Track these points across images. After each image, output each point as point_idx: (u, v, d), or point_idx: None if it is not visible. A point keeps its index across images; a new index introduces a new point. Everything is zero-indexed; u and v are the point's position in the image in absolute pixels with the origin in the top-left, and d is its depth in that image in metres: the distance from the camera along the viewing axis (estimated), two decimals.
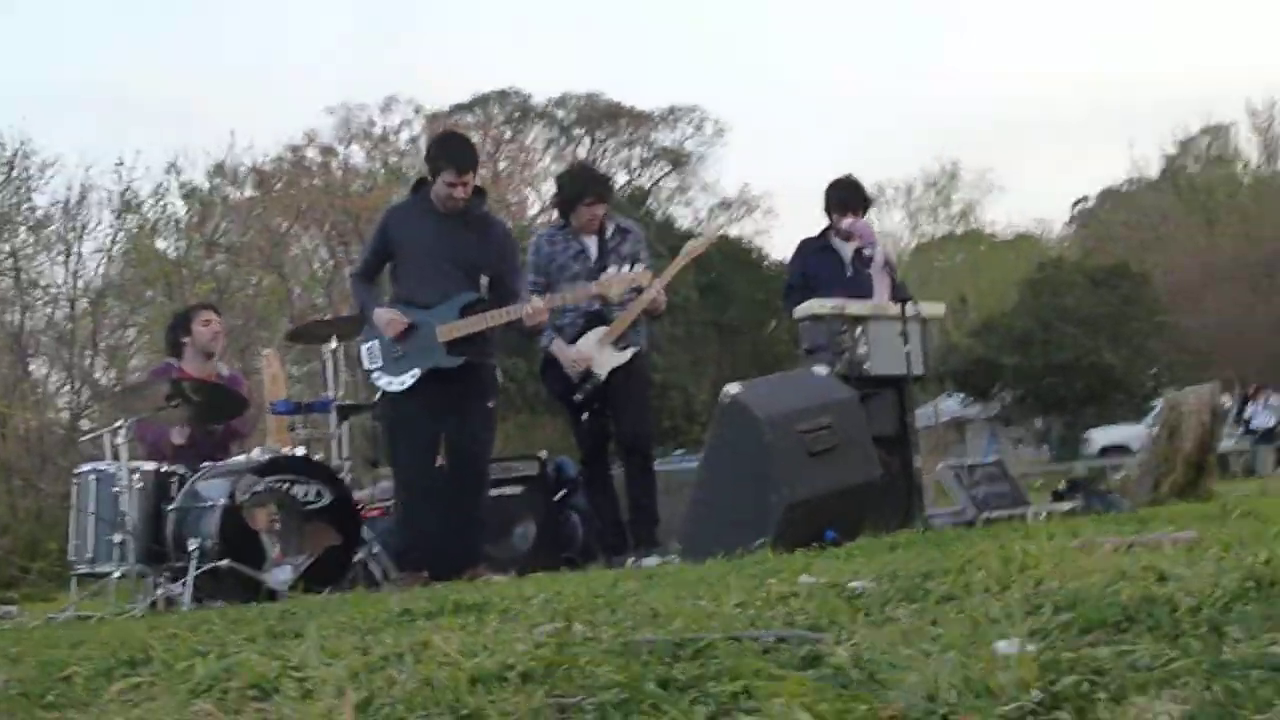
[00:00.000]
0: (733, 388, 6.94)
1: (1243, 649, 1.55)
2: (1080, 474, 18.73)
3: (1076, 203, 58.45)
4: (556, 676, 1.74)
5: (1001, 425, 43.16)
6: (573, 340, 8.12)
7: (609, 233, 8.30)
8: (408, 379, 7.45)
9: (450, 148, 7.79)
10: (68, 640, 3.09)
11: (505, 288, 7.70)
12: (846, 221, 8.92)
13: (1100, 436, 34.33)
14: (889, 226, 55.86)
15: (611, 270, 7.87)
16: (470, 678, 1.77)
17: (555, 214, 8.71)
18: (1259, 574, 2.21)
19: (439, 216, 7.55)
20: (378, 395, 7.67)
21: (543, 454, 10.11)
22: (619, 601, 1.99)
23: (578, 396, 8.13)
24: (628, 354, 8.13)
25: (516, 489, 9.49)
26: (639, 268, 8.15)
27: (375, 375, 7.56)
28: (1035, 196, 78.73)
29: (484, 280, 7.68)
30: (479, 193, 7.79)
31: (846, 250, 9.00)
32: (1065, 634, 1.66)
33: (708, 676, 1.59)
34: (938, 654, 1.60)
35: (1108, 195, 55.11)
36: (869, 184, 9.34)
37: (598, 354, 8.08)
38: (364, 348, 7.64)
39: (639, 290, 8.04)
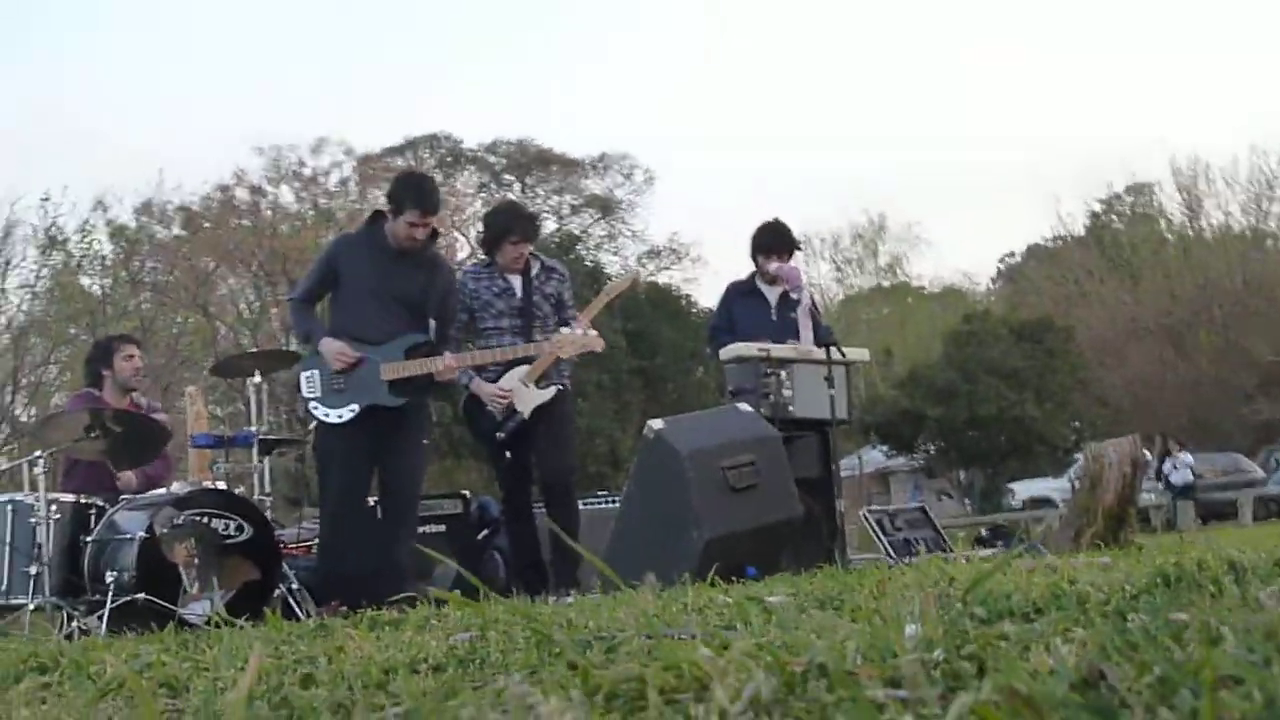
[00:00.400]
0: (656, 423, 6.98)
1: (1144, 620, 1.58)
2: (1002, 524, 18.87)
3: (1003, 258, 59.15)
4: (470, 667, 1.74)
5: (925, 477, 43.44)
6: (495, 379, 8.10)
7: (534, 270, 8.30)
8: (346, 413, 7.44)
9: (418, 188, 7.74)
10: None
11: (442, 332, 7.76)
12: (773, 265, 8.97)
13: (1022, 489, 34.59)
14: (816, 277, 56.19)
15: (566, 330, 7.86)
16: (383, 669, 1.78)
17: (481, 253, 8.71)
18: (1167, 572, 2.26)
19: (391, 253, 7.55)
20: (313, 424, 7.62)
21: (466, 493, 10.10)
22: (536, 617, 2.00)
23: (500, 435, 8.10)
24: (550, 392, 8.10)
25: (440, 527, 9.48)
26: (569, 311, 8.20)
27: (313, 405, 7.53)
28: (962, 251, 79.52)
29: (431, 323, 7.68)
30: (432, 234, 7.79)
31: (772, 294, 9.05)
32: (974, 621, 1.69)
33: (618, 661, 1.60)
34: (847, 629, 1.63)
35: (1033, 251, 55.76)
36: (797, 234, 9.39)
37: (521, 392, 8.05)
38: (303, 375, 7.60)
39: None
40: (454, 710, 1.26)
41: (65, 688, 2.26)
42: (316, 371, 7.51)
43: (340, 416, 7.45)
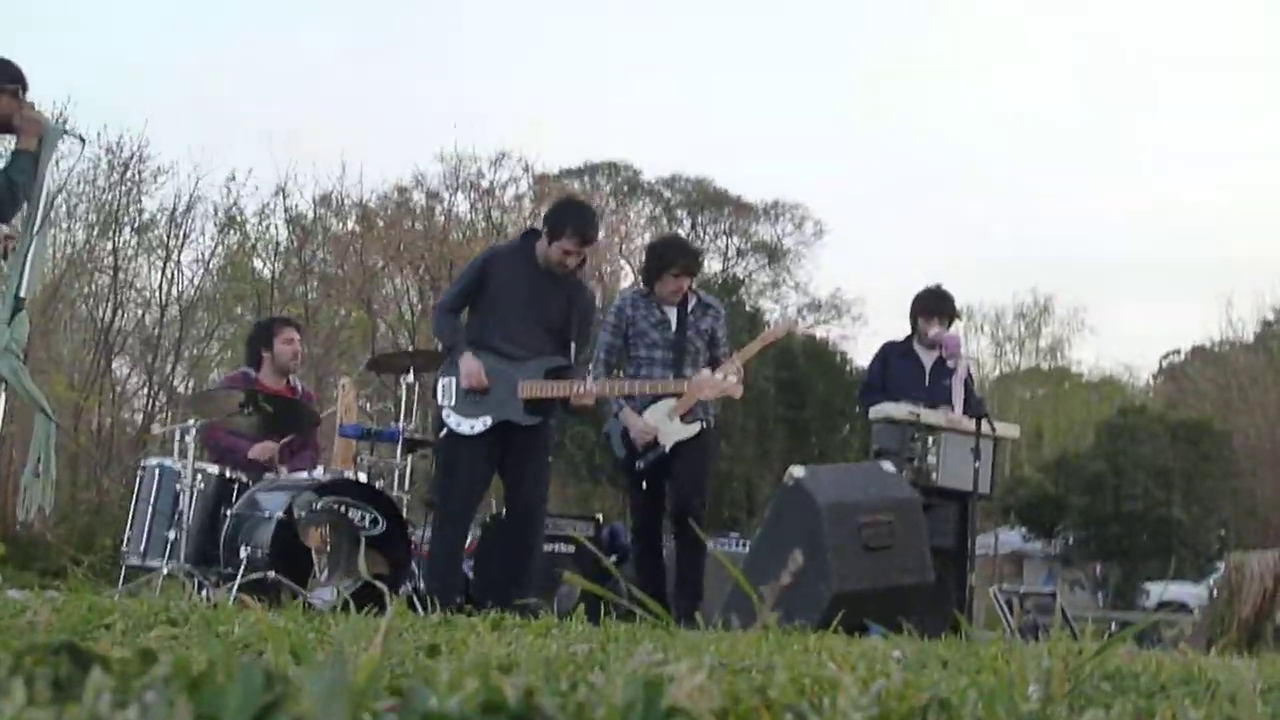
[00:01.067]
0: (798, 470, 6.97)
1: (1273, 710, 1.56)
2: (1135, 622, 18.49)
3: (1166, 355, 58.04)
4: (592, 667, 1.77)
5: (1060, 565, 42.71)
6: (642, 409, 8.15)
7: (691, 305, 8.33)
8: (479, 425, 7.43)
9: (580, 217, 7.75)
10: (113, 609, 3.14)
11: (577, 356, 7.75)
12: (934, 330, 8.92)
13: (1158, 590, 33.85)
14: (974, 351, 55.54)
15: (706, 373, 7.89)
16: (503, 665, 1.80)
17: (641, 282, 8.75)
18: None
19: (538, 272, 7.57)
20: (442, 431, 7.62)
21: (599, 517, 10.16)
22: (664, 623, 2.03)
23: (640, 465, 8.14)
24: (694, 428, 8.12)
25: (569, 548, 9.54)
26: (722, 350, 8.25)
27: (446, 413, 7.52)
28: (1125, 342, 78.09)
29: (572, 346, 7.71)
30: (581, 261, 7.82)
31: (928, 359, 9.01)
32: (1099, 692, 1.68)
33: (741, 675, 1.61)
34: (971, 680, 1.62)
35: (1198, 352, 54.63)
36: (960, 304, 9.33)
37: (665, 426, 8.08)
38: (441, 382, 7.61)
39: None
40: (584, 674, 1.27)
41: (193, 641, 2.32)
42: (454, 380, 7.51)
43: (473, 428, 7.44)
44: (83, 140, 7.97)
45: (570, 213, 7.82)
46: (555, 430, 7.89)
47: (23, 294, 6.49)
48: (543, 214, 8.15)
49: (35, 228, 6.61)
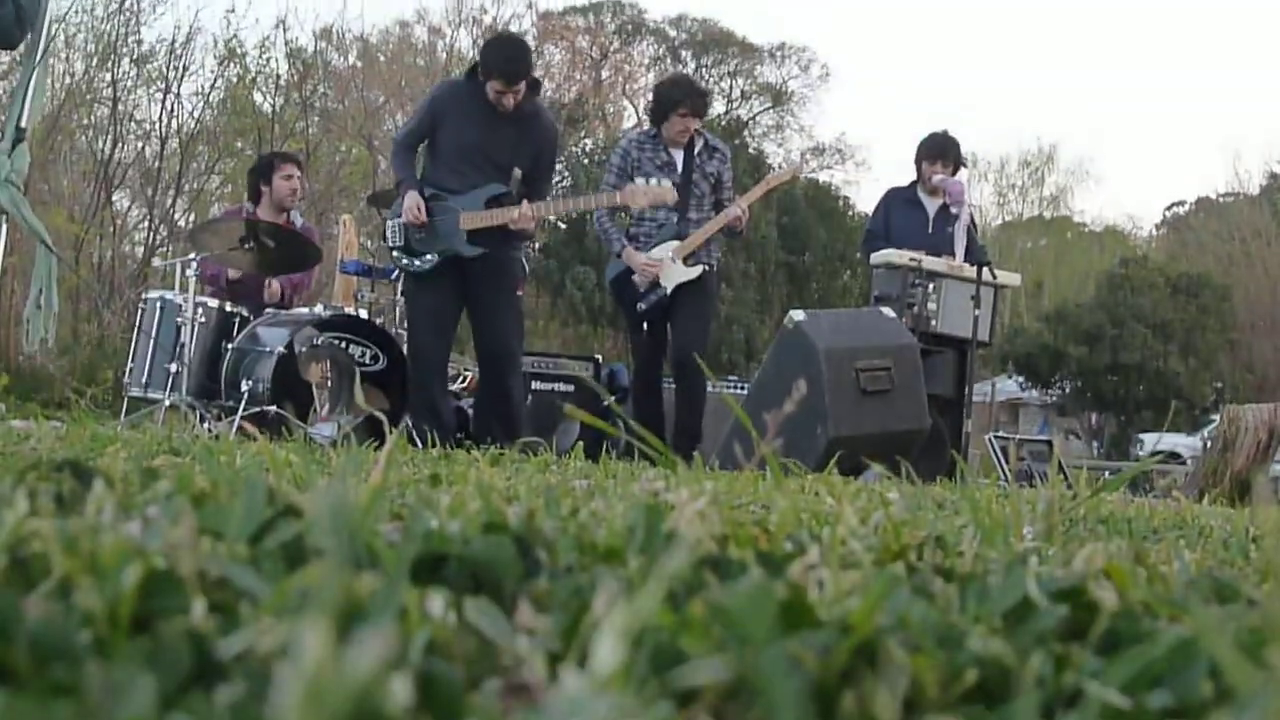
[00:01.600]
0: (798, 314, 6.98)
1: (1265, 556, 1.57)
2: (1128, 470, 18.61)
3: (1170, 206, 57.80)
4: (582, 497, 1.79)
5: (1056, 414, 42.94)
6: (645, 250, 8.15)
7: (697, 148, 8.29)
8: (425, 262, 7.50)
9: (502, 57, 7.50)
10: (116, 439, 3.16)
11: (534, 185, 7.66)
12: (937, 177, 8.88)
13: (1152, 441, 34.03)
14: (977, 199, 55.27)
15: (639, 181, 7.89)
16: (504, 496, 1.82)
17: (647, 122, 8.68)
18: None
19: (487, 107, 7.45)
20: (395, 273, 7.65)
21: (598, 358, 10.19)
22: (665, 460, 2.04)
23: (641, 305, 8.15)
24: (696, 270, 8.13)
25: (568, 388, 9.58)
26: (727, 193, 8.24)
27: (396, 254, 7.63)
28: (1130, 193, 77.69)
29: (516, 172, 7.62)
30: (532, 85, 7.62)
31: (932, 206, 8.99)
32: (1093, 536, 1.69)
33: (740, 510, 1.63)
34: (966, 520, 1.64)
35: (1203, 204, 54.40)
36: (965, 152, 9.26)
37: (667, 267, 8.09)
38: (389, 224, 7.68)
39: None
40: (585, 501, 1.29)
41: (196, 469, 2.34)
42: (399, 221, 7.55)
43: (420, 266, 7.52)
44: None
45: (492, 53, 7.57)
46: (516, 263, 7.84)
47: (23, 124, 6.45)
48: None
49: (37, 57, 6.55)
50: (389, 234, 7.65)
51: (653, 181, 7.96)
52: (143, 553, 0.69)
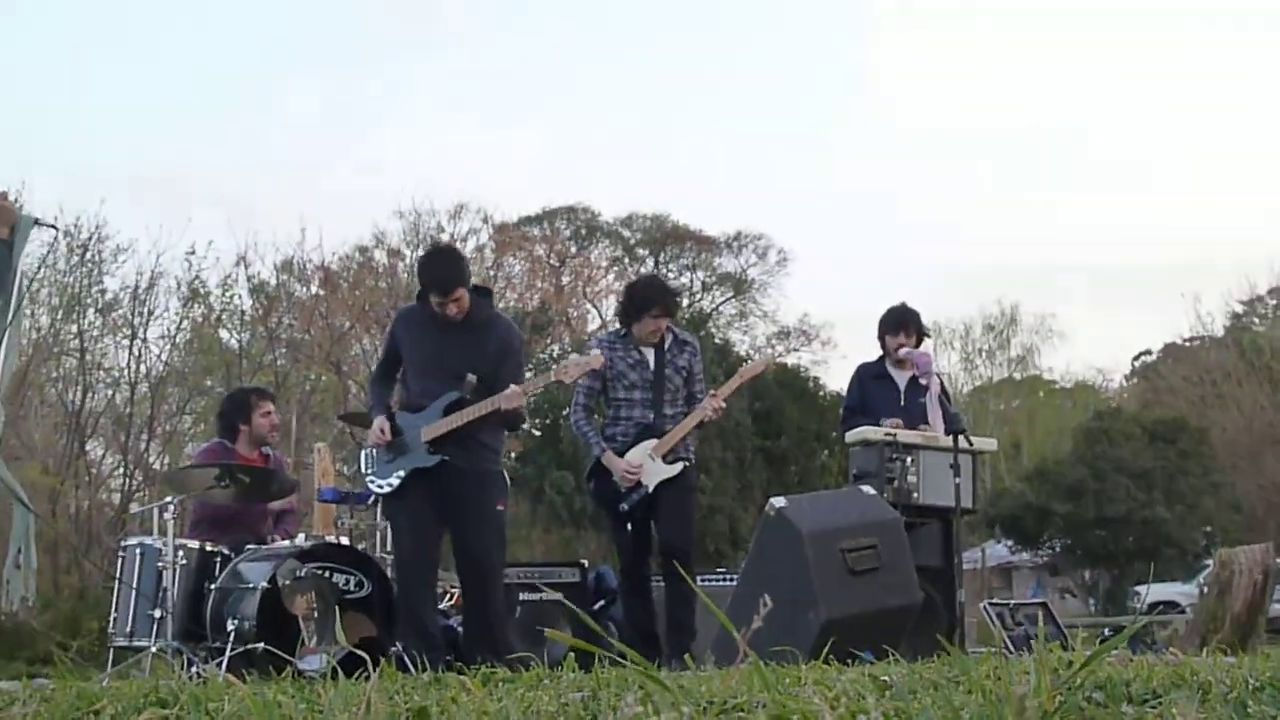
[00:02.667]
0: (778, 501, 6.98)
1: (1266, 711, 1.55)
2: (1127, 626, 18.50)
3: (1138, 355, 58.21)
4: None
5: (1048, 574, 42.75)
6: (623, 451, 8.18)
7: (667, 343, 8.38)
8: (394, 480, 7.53)
9: (431, 272, 7.66)
10: (102, 695, 3.12)
11: (498, 384, 7.54)
12: (902, 351, 8.95)
13: (1149, 593, 33.82)
14: (945, 366, 55.59)
15: (574, 357, 8.02)
16: (497, 716, 1.79)
17: (616, 323, 8.78)
18: None
19: (441, 322, 7.52)
20: (371, 499, 7.77)
21: (584, 563, 10.14)
22: (652, 676, 2.02)
23: (624, 506, 8.15)
24: (677, 468, 8.17)
25: (556, 595, 9.51)
26: (699, 385, 8.32)
27: (369, 479, 7.70)
28: (1096, 347, 78.30)
29: (470, 379, 7.57)
30: (482, 293, 7.79)
31: (901, 379, 9.05)
32: (1091, 704, 1.67)
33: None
34: (962, 701, 1.62)
35: (1170, 350, 54.80)
36: (927, 321, 9.36)
37: (647, 465, 8.12)
38: (363, 452, 7.86)
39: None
40: None
41: None
42: (369, 446, 7.71)
43: (389, 485, 7.55)
44: (54, 228, 8.02)
45: (424, 269, 7.80)
46: (493, 476, 7.82)
47: None
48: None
49: (10, 319, 6.60)
50: (362, 462, 7.77)
51: (630, 377, 8.09)
52: None
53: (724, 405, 8.42)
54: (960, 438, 8.37)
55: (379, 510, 8.95)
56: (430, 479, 7.44)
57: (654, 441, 8.16)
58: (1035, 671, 1.56)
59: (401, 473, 7.49)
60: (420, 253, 34.97)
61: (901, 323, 9.06)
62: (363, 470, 7.76)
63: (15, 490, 6.83)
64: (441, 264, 7.77)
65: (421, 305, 7.67)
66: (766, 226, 60.79)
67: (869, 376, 9.24)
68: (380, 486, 7.62)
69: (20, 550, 6.72)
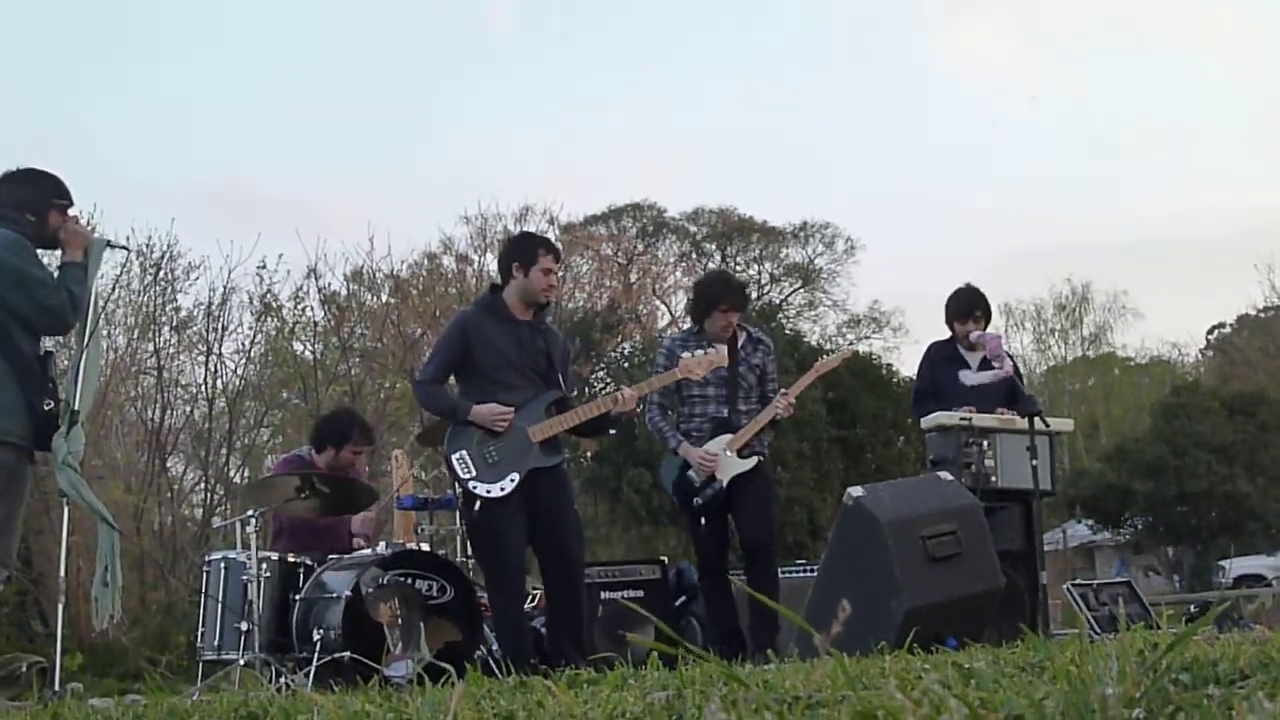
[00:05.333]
0: (856, 491, 6.96)
1: None
2: (1213, 602, 18.32)
3: (1213, 329, 57.60)
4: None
5: (1131, 553, 42.41)
6: (698, 445, 8.20)
7: (741, 341, 8.37)
8: (508, 484, 7.30)
9: (540, 237, 8.02)
10: (193, 711, 3.16)
11: (568, 386, 7.74)
12: (975, 334, 8.88)
13: (1234, 567, 33.47)
14: (1018, 348, 55.23)
15: (686, 355, 7.92)
16: None
17: (688, 321, 8.78)
18: None
19: (513, 323, 7.53)
20: (475, 505, 7.42)
21: (664, 559, 10.15)
22: (735, 675, 2.02)
23: (698, 501, 8.16)
24: (751, 462, 8.18)
25: (637, 593, 9.53)
26: (772, 384, 8.31)
27: (472, 484, 7.31)
28: (1170, 322, 77.43)
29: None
30: (544, 305, 7.81)
31: (973, 359, 8.97)
32: (1177, 686, 1.66)
33: (815, 713, 1.62)
34: (1046, 689, 1.61)
35: (1245, 322, 54.21)
36: (998, 304, 9.30)
37: (722, 460, 8.13)
38: (454, 458, 7.39)
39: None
40: None
41: None
42: (464, 451, 7.35)
43: (503, 489, 7.29)
44: (125, 249, 8.09)
45: (529, 239, 8.10)
46: (568, 474, 7.86)
47: (76, 407, 6.58)
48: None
49: (86, 340, 6.71)
50: (456, 467, 7.37)
51: (697, 354, 8.02)
52: None
53: (794, 402, 8.41)
54: (1036, 419, 8.31)
55: (459, 515, 8.98)
56: (533, 481, 7.35)
57: (728, 437, 8.17)
58: (1118, 656, 1.56)
59: (516, 475, 7.29)
60: (490, 257, 35.20)
61: (970, 308, 8.99)
62: (460, 476, 7.35)
63: (100, 510, 6.93)
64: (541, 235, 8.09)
65: (492, 302, 7.67)
66: (833, 215, 60.69)
67: (940, 358, 9.17)
68: (490, 491, 7.29)
69: (107, 568, 6.81)
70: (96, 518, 7.02)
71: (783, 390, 8.40)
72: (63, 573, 7.84)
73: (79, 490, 6.62)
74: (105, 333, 23.66)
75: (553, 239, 7.91)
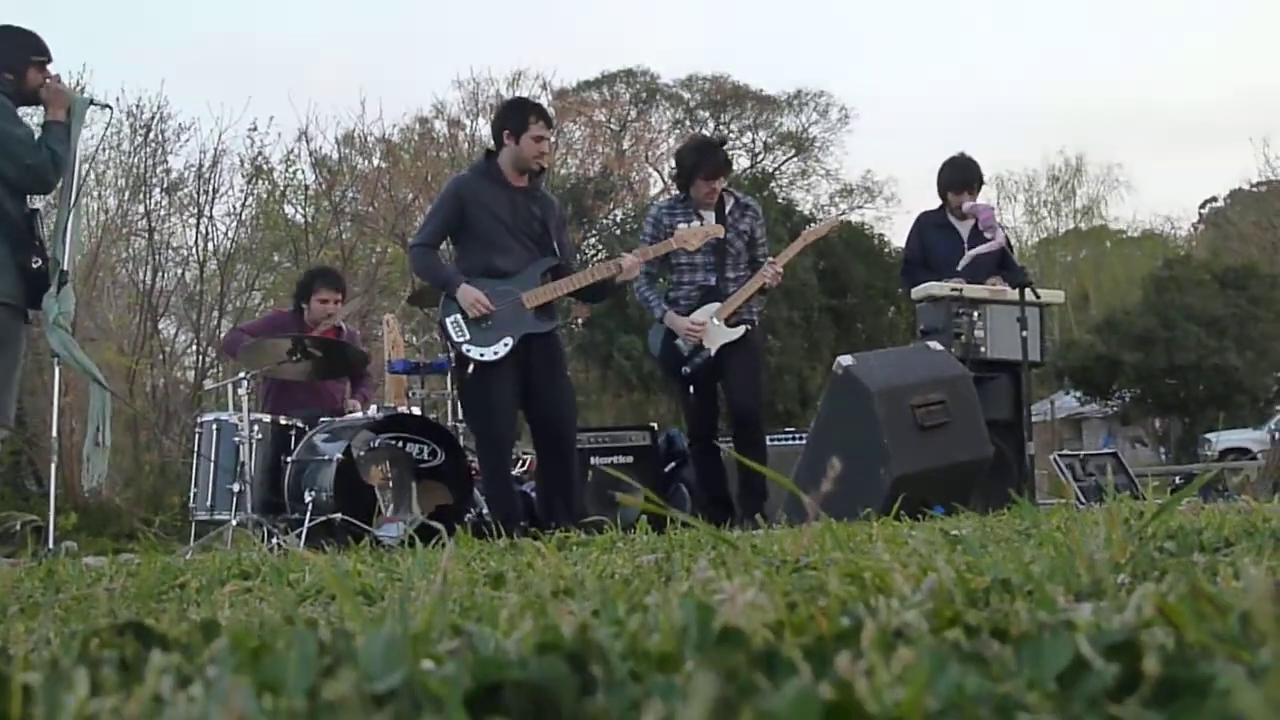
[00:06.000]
0: (846, 359, 6.98)
1: None
2: (1198, 474, 18.45)
3: (1205, 202, 57.46)
4: (658, 580, 1.79)
5: (1119, 424, 42.63)
6: (686, 313, 8.18)
7: (728, 206, 8.33)
8: (500, 349, 7.35)
9: (533, 104, 7.88)
10: (186, 569, 3.19)
11: (566, 252, 7.80)
12: (967, 205, 8.85)
13: (1220, 440, 33.67)
14: (1010, 219, 55.11)
15: (683, 226, 7.92)
16: (571, 580, 1.82)
17: (675, 189, 8.72)
18: None
19: (509, 189, 7.54)
20: (469, 367, 7.44)
21: (654, 426, 10.19)
22: (723, 537, 2.04)
23: (686, 369, 8.16)
24: (739, 331, 8.15)
25: (627, 459, 9.58)
26: (761, 249, 8.28)
27: (466, 348, 7.35)
28: (1163, 195, 77.19)
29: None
30: (540, 170, 7.80)
31: (964, 229, 8.95)
32: (1163, 553, 1.68)
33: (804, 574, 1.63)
34: (1032, 554, 1.63)
35: (1237, 196, 54.07)
36: (990, 174, 9.24)
37: (710, 329, 8.11)
38: (448, 321, 7.42)
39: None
40: (639, 597, 1.29)
41: (266, 592, 2.36)
42: (459, 315, 7.38)
43: (496, 354, 7.33)
44: (109, 108, 7.99)
45: (521, 104, 7.90)
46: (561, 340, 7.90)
47: (65, 267, 6.57)
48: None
49: (72, 200, 6.68)
50: (450, 330, 7.40)
51: (694, 224, 8.02)
52: None
53: (782, 271, 8.38)
54: (1027, 290, 8.32)
55: (450, 380, 9.02)
56: (526, 346, 7.40)
57: (716, 305, 8.15)
58: (1105, 523, 1.57)
59: (509, 340, 7.33)
60: (483, 121, 34.94)
61: (965, 178, 8.94)
62: (454, 338, 7.38)
63: (91, 370, 6.95)
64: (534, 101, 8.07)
65: (487, 168, 7.66)
66: (827, 84, 60.18)
67: (930, 226, 9.14)
68: (483, 355, 7.33)
69: (99, 429, 6.85)
70: (88, 378, 7.03)
71: (770, 259, 8.36)
72: (55, 432, 7.89)
73: (70, 350, 6.63)
74: (95, 194, 23.53)
75: (545, 105, 7.81)
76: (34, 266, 6.42)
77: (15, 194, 6.44)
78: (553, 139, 7.61)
